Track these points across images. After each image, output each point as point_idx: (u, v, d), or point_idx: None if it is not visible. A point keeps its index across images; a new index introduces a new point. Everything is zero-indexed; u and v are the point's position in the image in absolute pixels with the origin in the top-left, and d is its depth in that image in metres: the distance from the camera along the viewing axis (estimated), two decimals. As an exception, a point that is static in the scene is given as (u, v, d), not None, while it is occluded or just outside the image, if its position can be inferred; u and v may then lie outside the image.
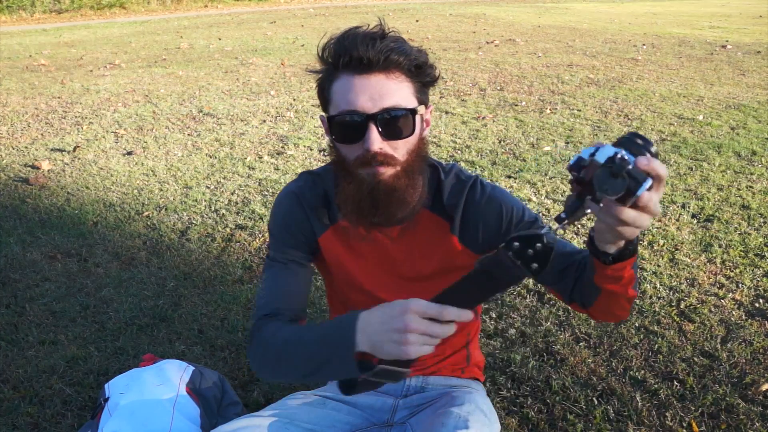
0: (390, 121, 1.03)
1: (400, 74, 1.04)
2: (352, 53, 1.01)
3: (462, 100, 5.55)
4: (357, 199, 1.08)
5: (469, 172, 1.24)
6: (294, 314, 1.17)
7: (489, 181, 1.23)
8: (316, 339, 1.00)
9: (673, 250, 2.70)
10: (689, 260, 2.61)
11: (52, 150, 4.35)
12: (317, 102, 5.57)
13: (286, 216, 1.23)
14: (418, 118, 1.07)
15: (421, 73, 1.07)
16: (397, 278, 1.24)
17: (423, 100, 1.09)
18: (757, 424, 1.71)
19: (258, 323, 1.15)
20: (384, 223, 1.13)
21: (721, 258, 2.62)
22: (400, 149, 1.06)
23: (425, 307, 0.87)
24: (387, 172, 1.06)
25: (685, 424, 1.72)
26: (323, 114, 1.11)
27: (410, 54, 1.04)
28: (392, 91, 1.03)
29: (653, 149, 0.79)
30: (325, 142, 4.38)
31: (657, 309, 2.26)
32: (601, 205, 0.82)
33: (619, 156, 0.77)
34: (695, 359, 1.98)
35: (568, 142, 4.24)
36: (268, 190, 3.49)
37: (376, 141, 1.03)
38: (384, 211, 1.09)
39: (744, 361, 1.97)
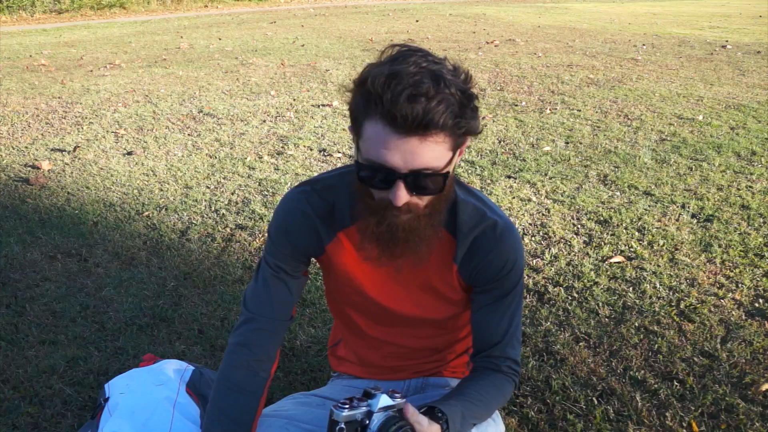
0: (419, 180, 1.00)
1: (440, 133, 0.96)
2: (391, 109, 0.92)
3: (462, 100, 5.55)
4: (377, 232, 1.08)
5: (492, 203, 1.21)
6: (273, 320, 1.23)
7: (505, 218, 1.20)
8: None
9: (673, 250, 2.70)
10: (689, 260, 2.61)
11: (52, 150, 4.35)
12: (317, 102, 5.60)
13: (289, 223, 1.21)
14: (449, 172, 1.03)
15: (465, 132, 1.01)
16: (402, 287, 1.24)
17: (460, 144, 1.03)
18: (757, 424, 1.71)
19: (237, 331, 1.25)
20: (398, 255, 1.12)
21: (721, 258, 2.62)
22: (426, 199, 1.05)
23: None
24: (408, 216, 1.05)
25: (685, 424, 1.72)
26: (352, 128, 1.06)
27: (456, 115, 0.96)
28: (426, 151, 0.97)
29: None
30: (324, 142, 4.38)
31: (657, 309, 2.26)
32: None
33: None
34: (695, 359, 1.98)
35: (568, 142, 4.25)
36: (268, 190, 3.49)
37: (402, 198, 1.00)
38: (401, 246, 1.09)
39: (744, 361, 1.97)
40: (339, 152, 4.15)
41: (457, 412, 1.10)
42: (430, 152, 0.97)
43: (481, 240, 1.17)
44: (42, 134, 4.76)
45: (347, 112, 1.08)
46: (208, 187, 3.57)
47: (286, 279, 1.23)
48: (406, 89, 0.92)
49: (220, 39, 10.33)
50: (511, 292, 1.20)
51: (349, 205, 1.18)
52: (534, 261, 2.64)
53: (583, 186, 3.45)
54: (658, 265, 2.57)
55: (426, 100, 0.92)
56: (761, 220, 2.98)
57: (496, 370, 1.22)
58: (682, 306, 2.28)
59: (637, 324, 2.18)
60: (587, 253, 2.69)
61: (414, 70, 0.93)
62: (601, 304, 2.30)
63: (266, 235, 1.32)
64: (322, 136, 4.54)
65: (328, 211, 1.20)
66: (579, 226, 2.96)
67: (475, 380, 1.20)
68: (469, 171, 3.74)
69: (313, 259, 1.27)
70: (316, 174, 3.73)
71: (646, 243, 2.77)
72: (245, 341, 1.22)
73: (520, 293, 1.22)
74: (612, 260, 2.61)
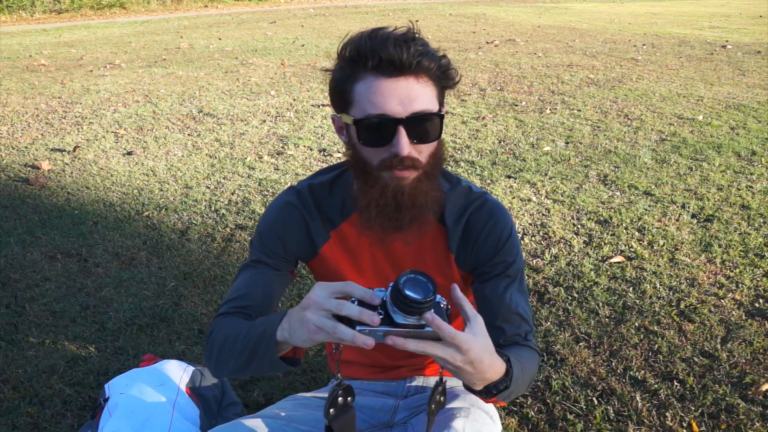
0: (419, 125, 1.02)
1: (428, 78, 1.03)
2: (382, 55, 0.98)
3: (462, 100, 5.55)
4: (382, 203, 1.07)
5: (478, 188, 1.23)
6: (256, 312, 1.17)
7: (494, 197, 1.22)
8: (249, 331, 1.03)
9: (673, 250, 2.70)
10: (689, 260, 2.61)
11: (52, 150, 4.35)
12: (317, 102, 5.60)
13: (281, 219, 1.21)
14: (443, 121, 1.07)
15: (446, 78, 1.06)
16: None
17: (442, 103, 1.08)
18: (757, 424, 1.71)
19: (215, 321, 1.16)
20: (404, 226, 1.11)
21: (721, 258, 2.62)
22: (425, 152, 1.06)
23: (323, 300, 0.86)
24: (411, 175, 1.05)
25: (685, 424, 1.72)
26: (336, 115, 1.09)
27: (438, 59, 1.03)
28: (421, 95, 1.01)
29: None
30: (324, 142, 4.38)
31: (657, 309, 2.26)
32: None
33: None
34: (695, 359, 1.98)
35: (568, 142, 4.24)
36: (268, 190, 3.49)
37: (406, 145, 1.02)
38: (406, 214, 1.09)
39: (744, 361, 1.97)
40: (339, 152, 4.14)
41: (515, 360, 1.06)
42: (425, 94, 1.02)
43: (474, 220, 1.18)
44: (42, 134, 4.76)
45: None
46: (208, 187, 3.57)
47: (269, 273, 1.21)
48: (391, 36, 1.00)
49: (220, 39, 10.33)
50: (512, 265, 1.20)
51: (340, 202, 1.18)
52: (534, 261, 2.64)
53: (583, 186, 3.45)
54: (658, 265, 2.57)
55: (413, 43, 1.00)
56: (761, 220, 2.97)
57: (515, 343, 1.19)
58: (682, 306, 2.28)
59: (637, 324, 2.17)
60: (587, 253, 2.69)
61: (391, 28, 1.02)
62: (601, 304, 2.30)
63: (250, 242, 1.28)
64: (322, 136, 4.54)
65: (318, 209, 1.20)
66: (579, 226, 2.96)
67: (504, 348, 1.17)
68: (469, 171, 3.74)
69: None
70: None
71: (646, 243, 2.77)
72: (230, 315, 1.17)
73: (522, 272, 1.22)
74: (612, 260, 2.61)
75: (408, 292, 0.81)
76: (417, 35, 1.02)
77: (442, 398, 1.04)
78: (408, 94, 1.00)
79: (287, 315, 0.95)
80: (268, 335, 0.97)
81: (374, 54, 0.99)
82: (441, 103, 1.07)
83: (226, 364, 1.07)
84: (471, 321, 0.89)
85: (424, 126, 1.03)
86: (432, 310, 0.84)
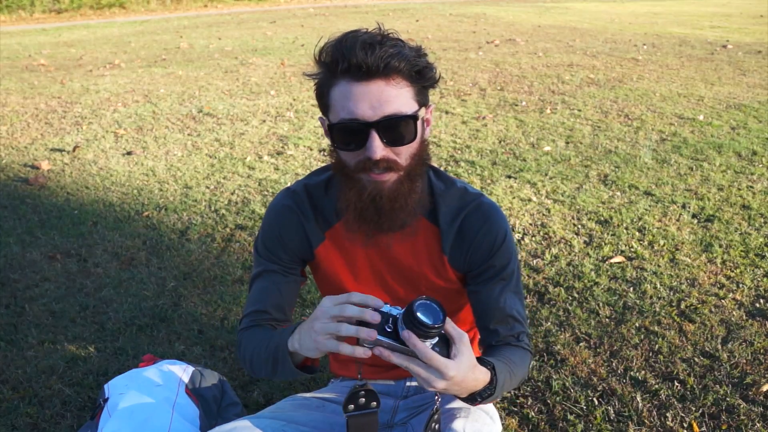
0: (391, 128, 1.02)
1: (401, 79, 1.02)
2: (351, 60, 0.99)
3: (462, 100, 5.55)
4: (359, 206, 1.07)
5: (474, 189, 1.23)
6: (275, 319, 1.22)
7: (489, 199, 1.22)
8: (268, 343, 1.10)
9: (674, 250, 2.70)
10: (689, 260, 2.60)
11: (51, 150, 4.35)
12: (317, 102, 5.59)
13: (279, 221, 1.22)
14: (419, 122, 1.06)
15: (422, 77, 1.05)
16: (396, 283, 1.23)
17: (423, 102, 1.07)
18: (758, 424, 1.70)
19: (240, 334, 1.21)
20: (386, 229, 1.12)
21: (722, 258, 2.61)
22: (403, 154, 1.06)
23: (328, 308, 0.92)
24: (390, 178, 1.05)
25: (685, 425, 1.71)
26: (322, 117, 1.11)
27: (410, 59, 1.02)
28: (392, 97, 1.01)
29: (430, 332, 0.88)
30: (324, 142, 4.38)
31: (657, 309, 2.26)
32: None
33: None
34: (696, 359, 1.98)
35: (568, 142, 4.24)
36: (268, 190, 3.49)
37: (378, 149, 1.02)
38: (387, 217, 1.08)
39: (745, 361, 1.96)
40: (339, 152, 4.14)
41: (503, 366, 1.08)
42: (397, 96, 1.01)
43: (469, 222, 1.18)
44: (41, 134, 4.75)
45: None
46: (207, 187, 3.57)
47: (281, 280, 1.22)
48: (359, 40, 0.99)
49: (219, 39, 10.33)
50: (506, 268, 1.19)
51: (334, 203, 1.18)
52: (534, 261, 2.63)
53: (584, 186, 3.45)
54: (659, 265, 2.57)
55: (380, 46, 0.99)
56: (762, 220, 2.97)
57: (508, 344, 1.20)
58: (682, 306, 2.28)
59: (637, 324, 2.17)
60: (588, 254, 2.68)
61: (363, 31, 1.03)
62: (601, 304, 2.30)
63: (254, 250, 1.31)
64: (322, 136, 4.54)
65: (314, 209, 1.21)
66: (579, 226, 2.96)
67: (496, 349, 1.18)
68: (469, 171, 3.73)
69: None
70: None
71: (646, 243, 2.77)
72: (252, 327, 1.21)
73: (517, 274, 1.22)
74: (612, 260, 2.61)
75: (419, 315, 0.86)
76: (388, 36, 1.02)
77: (437, 426, 1.09)
78: (379, 98, 1.00)
79: (298, 327, 1.00)
80: (282, 347, 1.04)
81: (344, 59, 0.99)
82: (421, 103, 1.06)
83: (261, 372, 1.15)
84: (456, 342, 0.92)
85: (397, 129, 1.02)
86: (437, 338, 0.89)
